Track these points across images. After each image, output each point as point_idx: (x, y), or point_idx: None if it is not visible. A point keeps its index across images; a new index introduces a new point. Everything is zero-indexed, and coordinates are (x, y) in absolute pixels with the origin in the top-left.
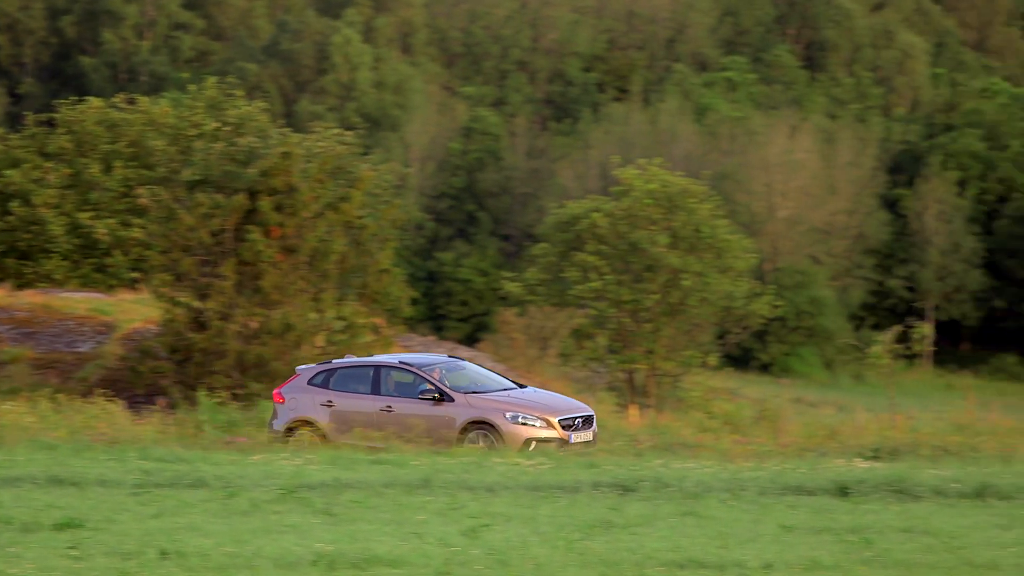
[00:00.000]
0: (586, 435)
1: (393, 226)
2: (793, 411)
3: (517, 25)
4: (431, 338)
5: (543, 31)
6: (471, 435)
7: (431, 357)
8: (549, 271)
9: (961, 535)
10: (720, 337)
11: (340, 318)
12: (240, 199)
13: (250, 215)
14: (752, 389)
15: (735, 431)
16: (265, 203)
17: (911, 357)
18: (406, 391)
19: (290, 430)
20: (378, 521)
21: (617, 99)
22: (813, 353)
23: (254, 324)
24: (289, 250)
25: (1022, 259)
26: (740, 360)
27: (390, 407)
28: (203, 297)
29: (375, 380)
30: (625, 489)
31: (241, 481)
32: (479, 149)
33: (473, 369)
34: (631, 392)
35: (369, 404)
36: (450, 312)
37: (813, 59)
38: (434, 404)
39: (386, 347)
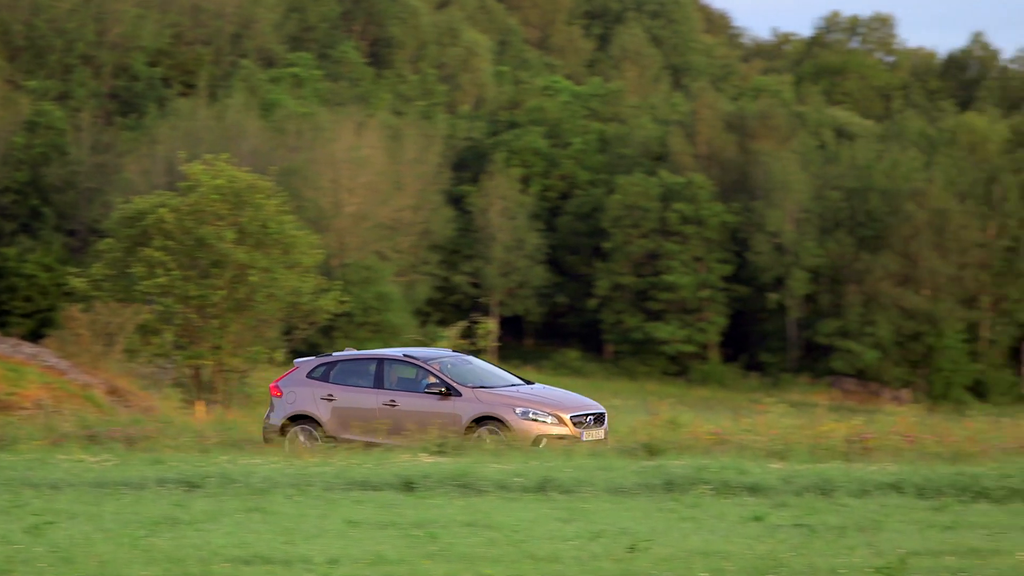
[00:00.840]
0: (597, 433)
1: None
2: None
3: (81, 19)
4: None
5: (108, 25)
6: (479, 431)
7: (436, 351)
8: (115, 267)
9: (523, 528)
10: (287, 333)
11: None
12: None
13: None
14: None
15: None
16: None
17: (476, 352)
18: (411, 385)
19: (288, 424)
20: None
21: (183, 94)
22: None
23: None
24: None
25: (583, 255)
26: (308, 355)
27: (394, 401)
28: None
29: (378, 373)
30: (191, 485)
31: None
32: (43, 144)
33: (479, 364)
34: (198, 388)
35: (372, 398)
36: (14, 308)
37: (379, 56)
38: (440, 399)
39: None
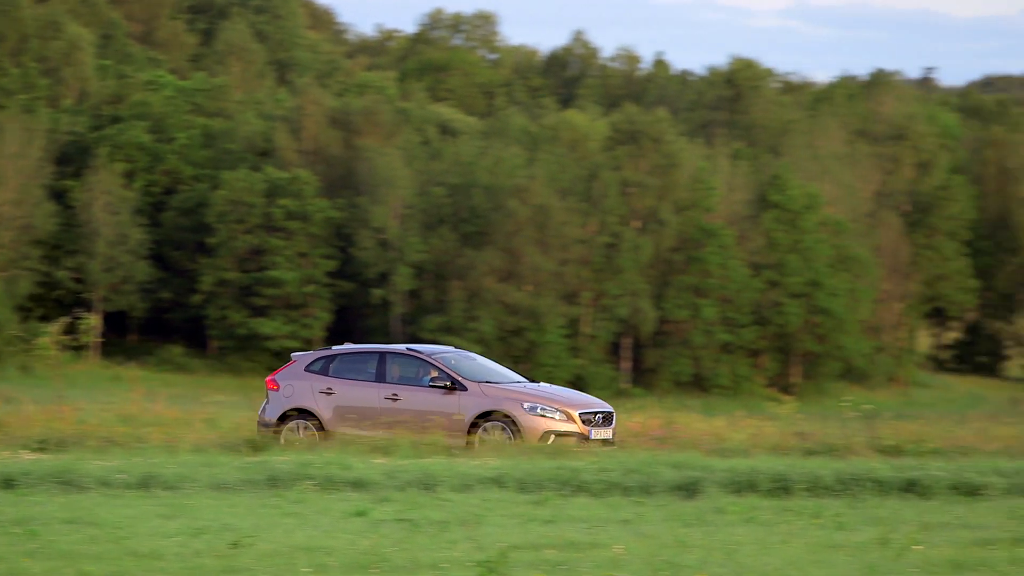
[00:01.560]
0: (606, 432)
1: None
2: None
3: None
4: None
5: None
6: (485, 426)
7: (440, 347)
8: None
9: (126, 525)
10: None
11: None
12: None
13: None
14: None
15: None
16: None
17: (79, 348)
18: (414, 379)
19: (283, 420)
20: None
21: None
22: None
23: None
24: None
25: (188, 251)
26: None
27: (396, 396)
28: None
29: (380, 367)
30: None
31: None
32: None
33: (482, 361)
34: None
35: (373, 393)
36: None
37: None
38: (445, 393)
39: None
